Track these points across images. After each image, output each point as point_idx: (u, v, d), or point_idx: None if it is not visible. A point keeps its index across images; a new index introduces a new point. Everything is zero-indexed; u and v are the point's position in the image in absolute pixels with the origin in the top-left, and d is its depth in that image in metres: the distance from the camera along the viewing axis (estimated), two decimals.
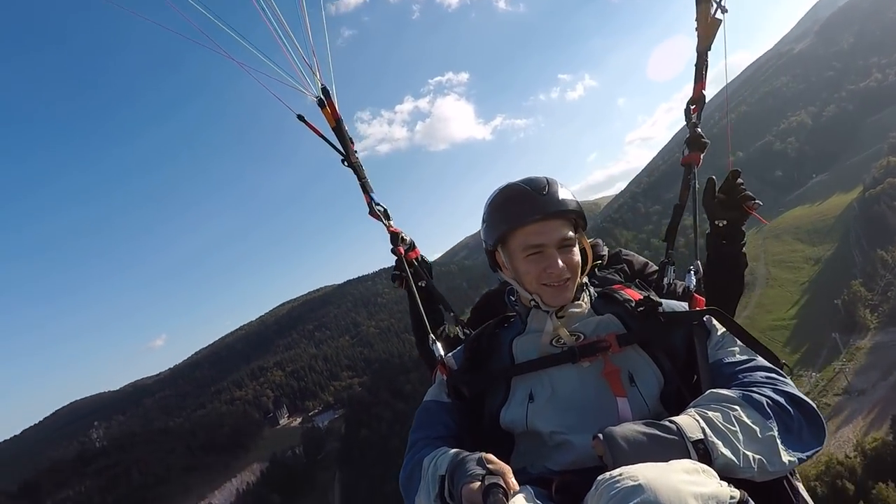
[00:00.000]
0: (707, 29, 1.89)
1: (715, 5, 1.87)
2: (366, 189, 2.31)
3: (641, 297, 1.61)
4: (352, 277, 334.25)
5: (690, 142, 1.98)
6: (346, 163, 2.24)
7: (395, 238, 2.32)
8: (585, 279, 1.68)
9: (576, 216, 1.58)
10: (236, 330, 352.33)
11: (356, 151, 2.28)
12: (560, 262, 1.52)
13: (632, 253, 2.43)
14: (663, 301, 1.61)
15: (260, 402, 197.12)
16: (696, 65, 1.98)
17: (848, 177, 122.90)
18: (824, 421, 1.26)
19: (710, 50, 1.94)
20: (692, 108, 2.02)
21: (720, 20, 1.88)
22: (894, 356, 68.55)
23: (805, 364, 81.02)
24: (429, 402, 1.70)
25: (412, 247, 2.42)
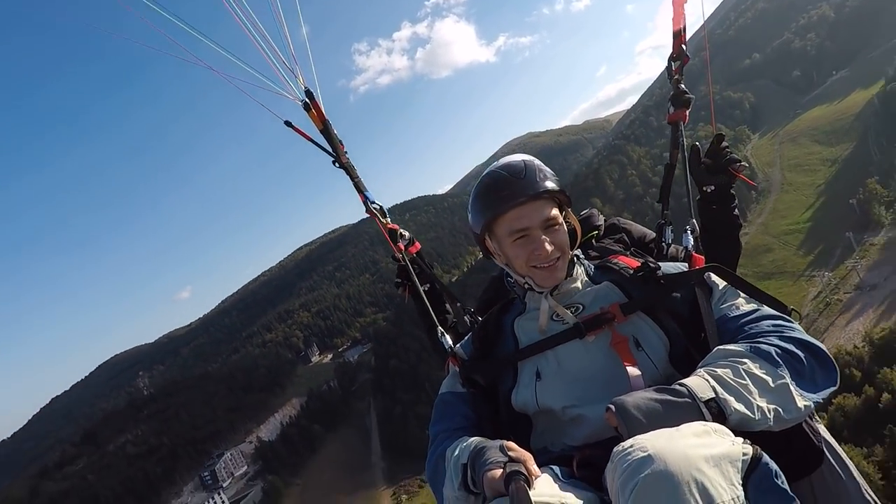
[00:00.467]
0: None
1: None
2: (360, 188, 2.30)
3: (639, 264, 1.61)
4: (365, 216, 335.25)
5: (675, 99, 1.95)
6: (336, 164, 2.24)
7: (395, 235, 2.28)
8: (578, 252, 1.70)
9: (558, 194, 1.58)
10: (258, 277, 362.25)
11: (346, 152, 2.26)
12: (546, 244, 1.53)
13: (629, 221, 2.42)
14: (661, 264, 1.60)
15: (290, 342, 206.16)
16: (672, 18, 1.92)
17: (869, 71, 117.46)
18: (834, 360, 1.26)
19: (686, 1, 1.88)
20: (674, 64, 1.98)
21: None
22: None
23: (818, 265, 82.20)
24: (445, 394, 1.72)
25: (412, 241, 2.39)
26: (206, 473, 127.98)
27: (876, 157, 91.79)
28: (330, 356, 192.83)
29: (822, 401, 1.22)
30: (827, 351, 1.26)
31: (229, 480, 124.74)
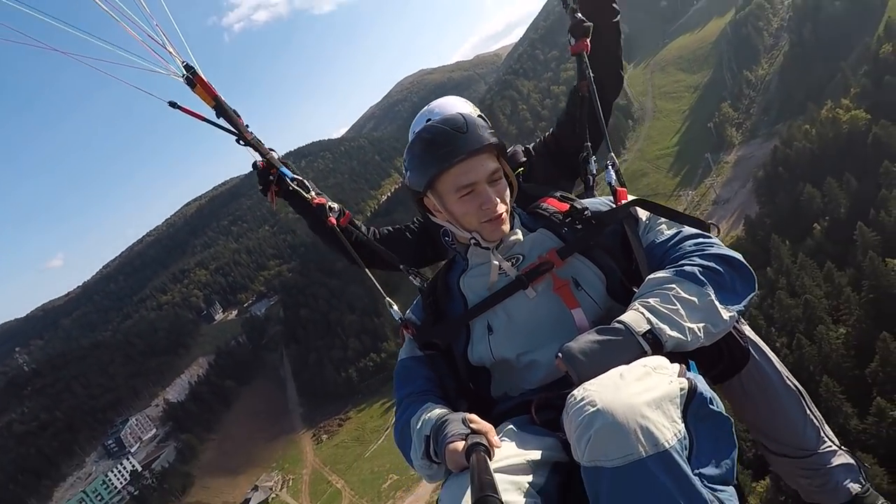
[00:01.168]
0: None
1: None
2: (273, 163, 2.19)
3: (567, 207, 1.65)
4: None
5: (574, 28, 1.90)
6: (241, 142, 2.11)
7: (323, 210, 2.18)
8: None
9: (497, 146, 1.56)
10: (144, 237, 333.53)
11: (247, 126, 2.12)
12: (494, 197, 1.53)
13: (513, 148, 2.39)
14: (587, 203, 1.66)
15: (190, 302, 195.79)
16: None
17: (725, 0, 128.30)
18: (751, 268, 1.35)
19: None
20: None
21: None
22: (752, 166, 79.44)
23: (684, 185, 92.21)
24: (404, 359, 1.74)
25: (342, 212, 2.28)
26: (110, 441, 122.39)
27: (728, 83, 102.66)
28: (235, 313, 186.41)
29: (744, 308, 1.31)
30: (743, 259, 1.34)
31: (137, 445, 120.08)
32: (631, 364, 1.16)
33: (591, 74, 1.92)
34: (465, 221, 1.58)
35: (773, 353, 1.73)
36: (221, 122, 2.08)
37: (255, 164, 2.24)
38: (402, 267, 2.14)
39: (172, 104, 1.94)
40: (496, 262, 1.60)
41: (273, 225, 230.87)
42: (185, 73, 1.92)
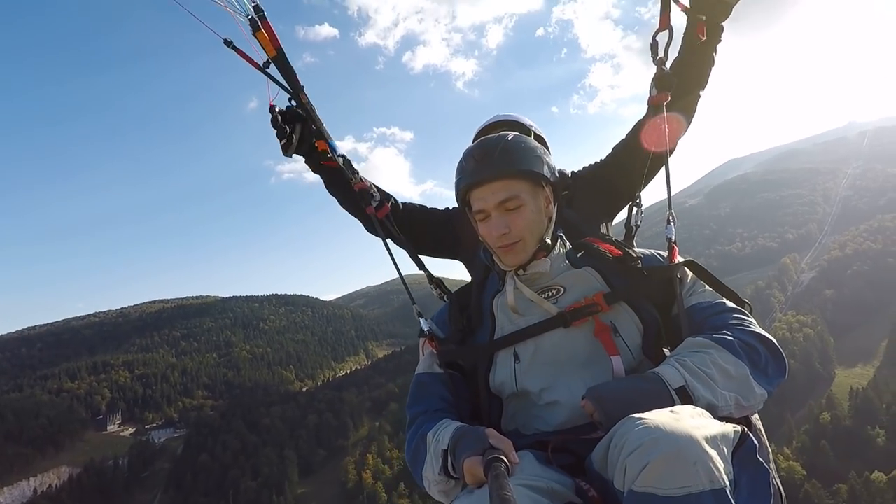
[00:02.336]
0: None
1: None
2: (322, 134, 1.97)
3: (621, 254, 1.58)
4: (239, 294, 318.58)
5: (659, 80, 1.79)
6: (293, 102, 1.91)
7: (366, 196, 1.99)
8: (549, 234, 1.59)
9: (528, 175, 1.49)
10: (89, 315, 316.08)
11: (303, 87, 1.90)
12: (501, 227, 1.48)
13: (560, 170, 2.05)
14: (640, 254, 1.61)
15: (92, 400, 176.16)
16: None
17: None
18: (784, 355, 1.35)
19: None
20: (658, 40, 1.82)
21: None
22: None
23: None
24: (421, 374, 1.68)
25: (381, 204, 2.03)
26: None
27: None
28: (132, 430, 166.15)
29: (773, 391, 1.32)
30: (778, 345, 1.35)
31: None
32: (680, 405, 1.15)
33: (666, 128, 1.82)
34: (485, 243, 1.59)
35: (770, 453, 1.61)
36: (275, 75, 1.88)
37: (285, 110, 1.96)
38: (428, 278, 1.96)
39: (228, 42, 1.79)
40: (513, 286, 1.56)
41: (223, 356, 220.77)
42: (252, 12, 1.75)
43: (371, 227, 2.16)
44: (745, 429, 1.10)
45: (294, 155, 2.02)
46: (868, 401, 75.31)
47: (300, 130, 1.96)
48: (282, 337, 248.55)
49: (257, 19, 1.76)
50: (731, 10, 1.83)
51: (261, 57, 1.81)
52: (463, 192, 1.54)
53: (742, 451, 1.08)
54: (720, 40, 1.88)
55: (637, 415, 1.07)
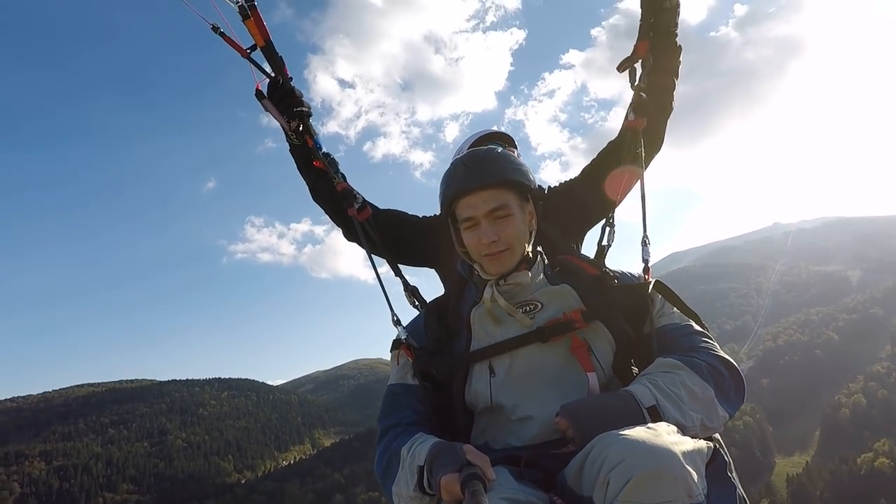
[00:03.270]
0: None
1: None
2: (310, 130, 1.92)
3: (598, 273, 1.61)
4: (179, 378, 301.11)
5: (637, 106, 1.85)
6: (279, 89, 1.85)
7: (349, 196, 1.97)
8: (531, 248, 1.62)
9: (514, 185, 1.53)
10: (5, 400, 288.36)
11: (291, 78, 1.87)
12: (491, 234, 1.50)
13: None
14: (618, 272, 1.64)
15: None
16: (640, 20, 1.85)
17: None
18: (745, 380, 1.42)
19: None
20: (636, 68, 1.87)
21: None
22: None
23: None
24: (394, 385, 1.65)
25: (364, 206, 2.02)
26: None
27: None
28: None
29: (733, 414, 1.38)
30: (741, 371, 1.41)
31: None
32: (654, 423, 1.18)
33: (642, 152, 1.85)
34: (471, 252, 1.59)
35: (733, 467, 1.43)
36: (260, 62, 1.84)
37: (269, 87, 1.88)
38: (404, 286, 1.94)
39: (215, 28, 1.77)
40: (489, 294, 1.56)
41: (156, 445, 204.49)
42: (242, 1, 1.73)
43: (351, 235, 2.17)
44: (717, 445, 1.17)
45: (291, 148, 2.01)
46: (803, 488, 78.33)
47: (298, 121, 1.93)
48: (222, 424, 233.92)
49: (247, 8, 1.75)
50: (678, 14, 1.89)
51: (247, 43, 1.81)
52: (450, 200, 1.55)
53: (713, 467, 1.13)
54: (679, 62, 1.96)
55: (616, 431, 1.08)
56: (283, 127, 1.93)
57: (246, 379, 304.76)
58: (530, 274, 1.59)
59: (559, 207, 2.09)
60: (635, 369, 1.46)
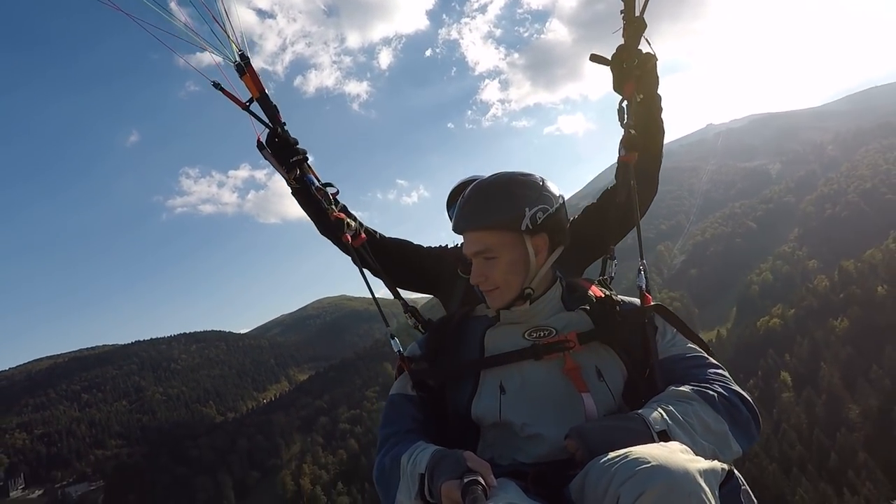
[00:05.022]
0: (634, 27, 1.83)
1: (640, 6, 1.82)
2: (303, 168, 2.03)
3: (603, 296, 1.65)
4: (142, 339, 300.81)
5: (627, 142, 1.88)
6: (278, 145, 1.99)
7: (342, 226, 2.00)
8: (537, 280, 1.59)
9: (503, 225, 1.51)
10: None
11: (284, 124, 2.01)
12: (477, 276, 1.55)
13: None
14: (621, 299, 1.66)
15: None
16: (625, 64, 1.85)
17: None
18: (760, 417, 1.41)
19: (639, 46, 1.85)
20: (623, 107, 1.90)
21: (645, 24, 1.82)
22: None
23: None
24: (394, 395, 1.68)
25: (358, 233, 2.06)
26: None
27: None
28: (40, 492, 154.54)
29: (747, 449, 1.36)
30: (755, 407, 1.41)
31: None
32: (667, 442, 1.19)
33: (634, 183, 1.88)
34: None
35: (752, 498, 1.42)
36: (258, 112, 1.99)
37: (268, 138, 2.02)
38: (403, 307, 1.98)
39: (216, 85, 1.90)
40: (506, 315, 1.61)
41: (134, 402, 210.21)
42: (238, 60, 1.90)
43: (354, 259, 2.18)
44: (732, 468, 1.17)
45: (292, 191, 2.13)
46: (717, 351, 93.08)
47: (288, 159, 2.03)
48: (197, 374, 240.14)
49: (243, 65, 1.91)
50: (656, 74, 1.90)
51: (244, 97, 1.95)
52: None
53: (727, 489, 1.12)
54: (661, 108, 1.99)
55: (624, 450, 1.09)
56: (283, 176, 2.06)
57: (212, 331, 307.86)
58: (529, 306, 1.59)
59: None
60: (643, 398, 1.44)
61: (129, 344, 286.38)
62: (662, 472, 0.99)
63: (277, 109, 1.99)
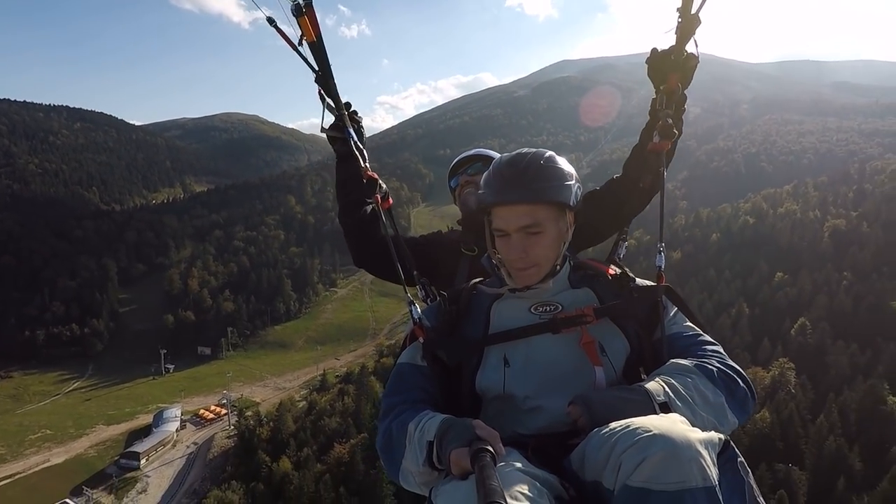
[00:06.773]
0: (688, 24, 1.82)
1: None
2: (344, 121, 2.04)
3: (616, 273, 1.66)
4: (12, 98, 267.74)
5: (663, 130, 1.85)
6: (319, 83, 1.98)
7: (374, 185, 2.03)
8: (560, 259, 1.61)
9: (552, 202, 1.50)
10: None
11: (333, 75, 1.98)
12: (518, 250, 1.51)
13: None
14: (634, 276, 1.68)
15: None
16: (673, 57, 1.85)
17: None
18: (755, 392, 1.46)
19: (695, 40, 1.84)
20: (664, 97, 1.87)
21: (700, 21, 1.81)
22: None
23: None
24: (403, 364, 1.65)
25: (387, 196, 2.08)
26: None
27: None
28: None
29: (744, 422, 1.44)
30: (751, 382, 1.45)
31: None
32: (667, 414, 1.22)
33: (664, 171, 1.87)
34: (502, 257, 1.60)
35: (748, 470, 1.43)
36: (307, 56, 1.94)
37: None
38: (416, 278, 1.97)
39: (270, 21, 1.86)
40: (511, 294, 1.61)
41: (2, 166, 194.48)
42: (301, 1, 1.83)
43: (363, 258, 2.27)
44: (728, 438, 1.20)
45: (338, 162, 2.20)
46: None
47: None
48: (80, 156, 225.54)
49: (302, 5, 1.83)
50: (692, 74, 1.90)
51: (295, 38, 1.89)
52: (487, 207, 1.56)
53: (723, 458, 1.15)
54: (684, 109, 1.97)
55: (626, 420, 1.13)
56: (329, 132, 2.10)
57: (101, 113, 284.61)
58: (552, 282, 1.61)
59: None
60: (643, 375, 1.50)
61: None
62: (663, 440, 1.03)
63: (328, 58, 1.96)
